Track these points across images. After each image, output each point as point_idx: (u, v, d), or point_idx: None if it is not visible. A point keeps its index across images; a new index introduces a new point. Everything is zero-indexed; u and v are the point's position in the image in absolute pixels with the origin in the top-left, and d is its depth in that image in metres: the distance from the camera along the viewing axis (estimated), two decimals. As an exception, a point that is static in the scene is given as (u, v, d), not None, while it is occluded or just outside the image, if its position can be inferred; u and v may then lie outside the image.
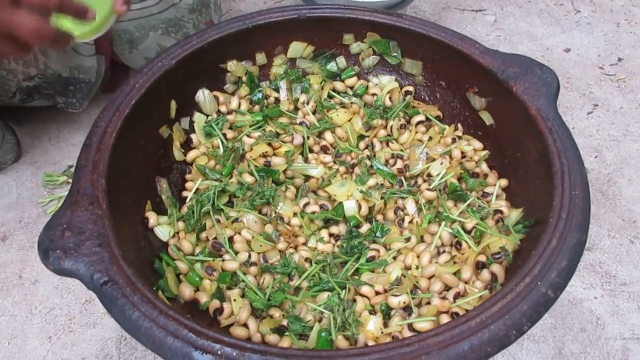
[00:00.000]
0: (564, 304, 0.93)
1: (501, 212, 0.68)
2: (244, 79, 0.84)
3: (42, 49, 0.90)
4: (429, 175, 0.74)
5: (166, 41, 0.96)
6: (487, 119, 0.77)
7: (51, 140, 1.17)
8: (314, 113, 0.81)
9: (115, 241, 0.55)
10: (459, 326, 0.49)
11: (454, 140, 0.77)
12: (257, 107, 0.82)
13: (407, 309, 0.61)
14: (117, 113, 0.66)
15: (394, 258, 0.68)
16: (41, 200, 1.07)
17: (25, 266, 0.98)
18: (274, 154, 0.76)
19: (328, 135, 0.79)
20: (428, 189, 0.72)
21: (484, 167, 0.75)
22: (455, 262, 0.65)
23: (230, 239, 0.69)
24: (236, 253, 0.67)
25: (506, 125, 0.74)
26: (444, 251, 0.67)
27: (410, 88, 0.84)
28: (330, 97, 0.84)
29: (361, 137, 0.81)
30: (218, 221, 0.69)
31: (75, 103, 0.99)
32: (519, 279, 0.52)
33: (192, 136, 0.79)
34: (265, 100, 0.82)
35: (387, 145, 0.78)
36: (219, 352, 0.47)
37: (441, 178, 0.72)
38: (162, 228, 0.68)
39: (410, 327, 0.60)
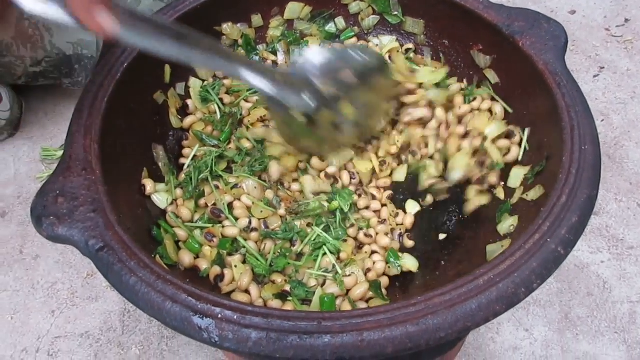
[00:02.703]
0: (571, 268, 0.92)
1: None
2: (240, 42, 0.81)
3: (46, 25, 0.90)
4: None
5: (159, 7, 0.94)
6: (493, 77, 0.75)
7: (48, 114, 1.15)
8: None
9: (111, 207, 0.54)
10: (466, 285, 0.47)
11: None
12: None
13: None
14: (109, 77, 0.64)
15: None
16: (39, 175, 1.05)
17: (26, 241, 0.97)
18: (273, 118, 0.73)
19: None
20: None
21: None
22: None
23: (230, 205, 0.67)
24: (236, 219, 0.65)
25: (512, 83, 0.72)
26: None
27: (411, 45, 0.81)
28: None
29: None
30: (217, 187, 0.68)
31: (80, 82, 1.01)
32: (528, 236, 0.50)
33: (189, 102, 0.77)
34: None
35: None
36: (219, 316, 0.46)
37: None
38: (159, 195, 0.66)
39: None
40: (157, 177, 0.70)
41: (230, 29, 0.79)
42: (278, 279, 0.62)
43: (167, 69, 0.74)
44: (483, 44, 0.75)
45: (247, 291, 0.61)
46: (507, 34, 0.68)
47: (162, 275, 0.49)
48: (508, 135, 0.70)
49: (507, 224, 0.62)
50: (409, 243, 0.67)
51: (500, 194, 0.68)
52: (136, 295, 0.48)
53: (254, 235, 0.64)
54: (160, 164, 0.70)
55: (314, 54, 0.61)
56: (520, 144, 0.69)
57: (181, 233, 0.63)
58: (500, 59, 0.73)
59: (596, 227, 0.97)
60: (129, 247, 0.50)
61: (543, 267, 0.48)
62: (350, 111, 0.64)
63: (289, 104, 0.59)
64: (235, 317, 0.46)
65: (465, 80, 0.77)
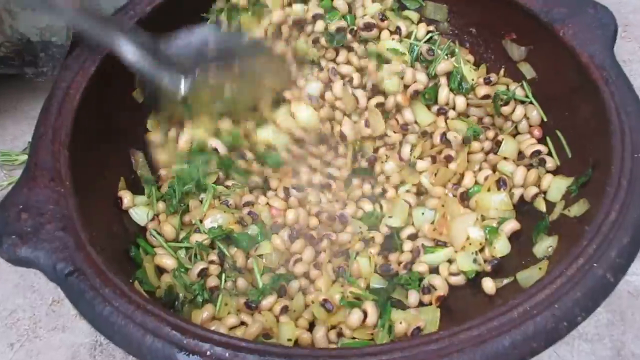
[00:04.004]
0: (623, 296, 0.92)
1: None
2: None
3: (7, 7, 0.90)
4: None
5: None
6: (528, 71, 0.75)
7: (8, 111, 1.16)
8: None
9: (82, 224, 0.54)
10: (498, 317, 0.47)
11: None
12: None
13: None
14: (81, 72, 0.65)
15: None
16: (-3, 183, 1.06)
17: (-19, 261, 0.97)
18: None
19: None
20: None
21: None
22: None
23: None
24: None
25: (551, 78, 0.72)
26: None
27: (432, 28, 0.82)
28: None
29: None
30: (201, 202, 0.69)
31: (46, 72, 1.01)
32: (570, 260, 0.50)
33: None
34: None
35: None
36: (208, 353, 0.46)
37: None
38: (138, 210, 0.67)
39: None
40: (137, 188, 0.71)
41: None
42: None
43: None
44: (517, 33, 0.75)
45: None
46: (546, 21, 0.69)
47: (141, 304, 0.49)
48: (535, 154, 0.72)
49: (545, 244, 0.62)
50: None
51: (540, 205, 0.68)
52: (111, 328, 0.48)
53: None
54: (139, 173, 0.71)
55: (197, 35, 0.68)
56: (550, 154, 0.71)
57: (165, 258, 0.64)
58: (537, 50, 0.74)
59: (652, 246, 0.97)
60: (103, 272, 0.51)
61: (589, 297, 0.48)
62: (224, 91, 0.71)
63: (162, 84, 0.65)
64: (227, 354, 0.46)
65: (495, 75, 0.79)
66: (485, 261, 0.67)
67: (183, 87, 0.66)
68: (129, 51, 0.61)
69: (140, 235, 0.66)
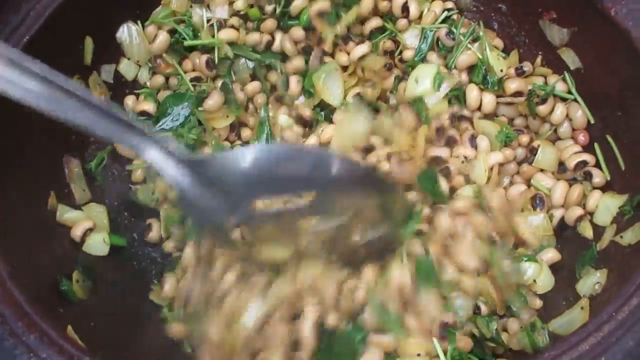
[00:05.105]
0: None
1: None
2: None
3: None
4: None
5: None
6: (572, 59, 0.76)
7: None
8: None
9: (0, 254, 0.55)
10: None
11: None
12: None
13: None
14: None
15: None
16: None
17: None
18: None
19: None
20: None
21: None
22: None
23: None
24: None
25: (600, 69, 0.73)
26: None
27: (450, 4, 0.83)
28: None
29: None
30: None
31: None
32: (622, 300, 0.51)
33: (128, 99, 0.81)
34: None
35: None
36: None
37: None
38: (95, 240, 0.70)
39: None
40: (70, 204, 0.71)
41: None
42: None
43: (88, 43, 0.75)
44: (558, 12, 0.76)
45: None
46: (594, -4, 0.70)
47: (75, 355, 0.49)
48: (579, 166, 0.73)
49: (591, 280, 0.62)
50: None
51: (586, 230, 0.69)
52: (37, 386, 0.48)
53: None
54: (73, 186, 0.72)
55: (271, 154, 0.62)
56: (598, 165, 0.72)
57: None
58: (582, 33, 0.75)
59: None
60: (26, 313, 0.51)
61: (644, 348, 0.49)
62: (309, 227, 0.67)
63: (194, 214, 0.63)
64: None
65: (530, 64, 0.79)
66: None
67: (227, 221, 0.63)
68: (169, 166, 0.57)
69: (80, 260, 0.67)
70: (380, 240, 0.68)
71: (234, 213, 0.61)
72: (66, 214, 0.70)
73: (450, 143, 0.77)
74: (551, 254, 0.70)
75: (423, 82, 0.78)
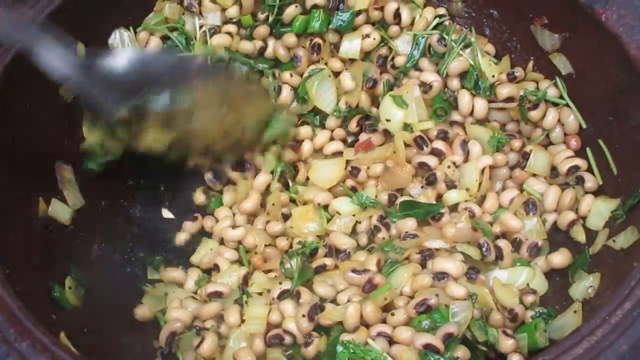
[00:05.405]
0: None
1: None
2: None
3: None
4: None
5: None
6: (563, 65, 0.76)
7: None
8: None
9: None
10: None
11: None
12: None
13: None
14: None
15: None
16: None
17: None
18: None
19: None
20: None
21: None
22: None
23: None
24: None
25: (592, 75, 0.73)
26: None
27: (442, 11, 0.84)
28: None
29: None
30: None
31: None
32: (615, 304, 0.51)
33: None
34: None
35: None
36: None
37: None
38: None
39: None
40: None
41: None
42: None
43: (80, 49, 0.75)
44: (549, 17, 0.76)
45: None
46: (585, 2, 0.70)
47: (68, 362, 0.49)
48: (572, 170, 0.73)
49: (585, 284, 0.63)
50: None
51: (579, 234, 0.70)
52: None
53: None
54: (66, 193, 0.72)
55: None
56: (590, 170, 0.72)
57: None
58: (574, 39, 0.75)
59: None
60: (18, 320, 0.51)
61: (638, 351, 0.49)
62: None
63: (92, 104, 0.70)
64: None
65: (521, 69, 0.79)
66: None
67: (115, 111, 0.70)
68: (54, 58, 0.64)
69: (71, 267, 0.67)
70: (244, 135, 0.80)
71: (120, 103, 0.70)
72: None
73: (437, 154, 0.78)
74: (543, 259, 0.70)
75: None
